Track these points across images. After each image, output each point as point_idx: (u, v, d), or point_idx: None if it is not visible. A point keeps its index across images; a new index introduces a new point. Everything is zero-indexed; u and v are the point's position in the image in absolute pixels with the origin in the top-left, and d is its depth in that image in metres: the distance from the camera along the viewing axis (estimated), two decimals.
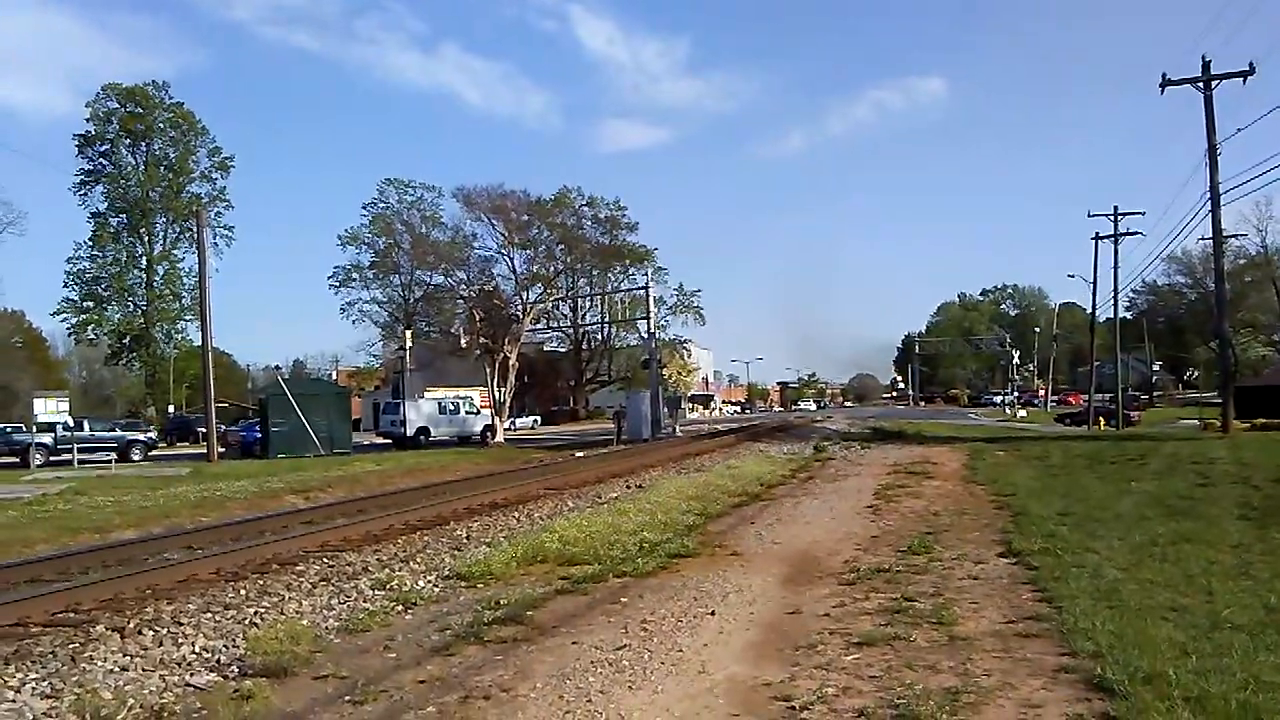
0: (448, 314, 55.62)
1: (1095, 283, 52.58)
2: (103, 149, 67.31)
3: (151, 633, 7.91)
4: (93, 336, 69.55)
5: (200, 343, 40.61)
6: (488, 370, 48.82)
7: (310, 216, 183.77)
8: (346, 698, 5.97)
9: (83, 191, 67.36)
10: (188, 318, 68.05)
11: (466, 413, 48.16)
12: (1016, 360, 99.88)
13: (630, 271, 75.58)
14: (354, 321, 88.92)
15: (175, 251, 68.95)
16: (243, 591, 9.81)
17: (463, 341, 49.59)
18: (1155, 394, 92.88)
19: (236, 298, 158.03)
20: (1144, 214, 57.34)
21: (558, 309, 77.34)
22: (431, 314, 61.63)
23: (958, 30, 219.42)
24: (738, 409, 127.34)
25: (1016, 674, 5.79)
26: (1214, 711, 4.75)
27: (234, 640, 7.61)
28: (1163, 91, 30.53)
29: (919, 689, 5.50)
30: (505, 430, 49.67)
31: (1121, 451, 23.97)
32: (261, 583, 10.31)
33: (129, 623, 8.30)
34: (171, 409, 67.42)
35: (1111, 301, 50.30)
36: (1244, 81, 29.24)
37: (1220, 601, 7.27)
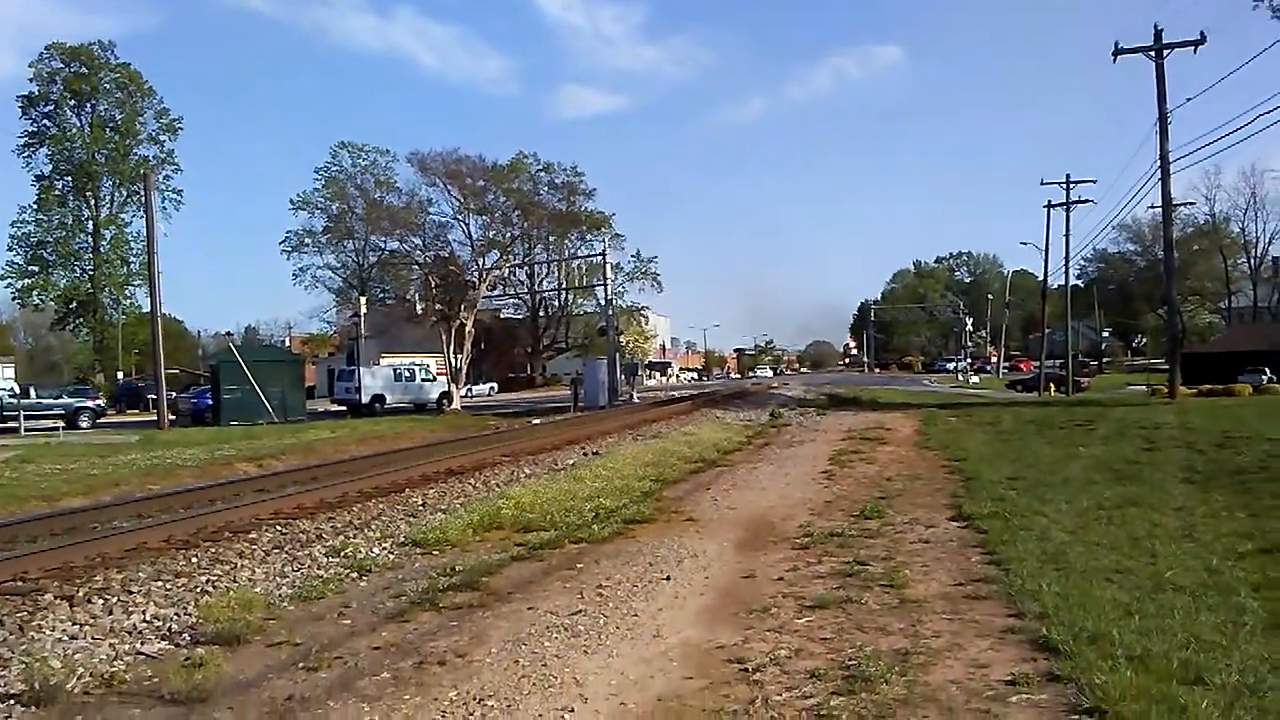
0: (403, 280, 55.21)
1: (1047, 250, 53.36)
2: (47, 110, 65.72)
3: (101, 601, 7.82)
4: (38, 301, 68.12)
5: (149, 308, 39.99)
6: (444, 337, 48.50)
7: (262, 180, 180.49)
8: (300, 664, 5.95)
9: (26, 154, 65.87)
10: (136, 283, 66.85)
11: (422, 380, 47.91)
12: (970, 327, 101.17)
13: (588, 238, 75.23)
14: (307, 287, 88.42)
15: (123, 215, 67.71)
16: (194, 559, 9.71)
17: (418, 308, 49.30)
18: (1105, 360, 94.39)
19: (187, 263, 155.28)
20: (1095, 182, 58.19)
21: (514, 275, 76.90)
22: (386, 280, 61.29)
23: None
24: (695, 376, 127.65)
25: (965, 635, 5.90)
26: (1156, 670, 4.87)
27: (186, 608, 7.54)
28: (1115, 60, 30.91)
29: (870, 650, 5.59)
30: (462, 397, 49.47)
31: (1071, 417, 24.39)
32: (213, 551, 10.21)
33: (78, 591, 8.19)
34: (120, 376, 66.21)
35: (1063, 269, 51.03)
36: (1195, 51, 29.66)
37: (1163, 563, 7.44)
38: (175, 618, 7.30)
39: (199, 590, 8.22)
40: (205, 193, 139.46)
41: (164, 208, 64.60)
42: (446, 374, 49.48)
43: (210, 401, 38.60)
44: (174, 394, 42.53)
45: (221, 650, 6.29)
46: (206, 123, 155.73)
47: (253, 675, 5.81)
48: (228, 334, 72.34)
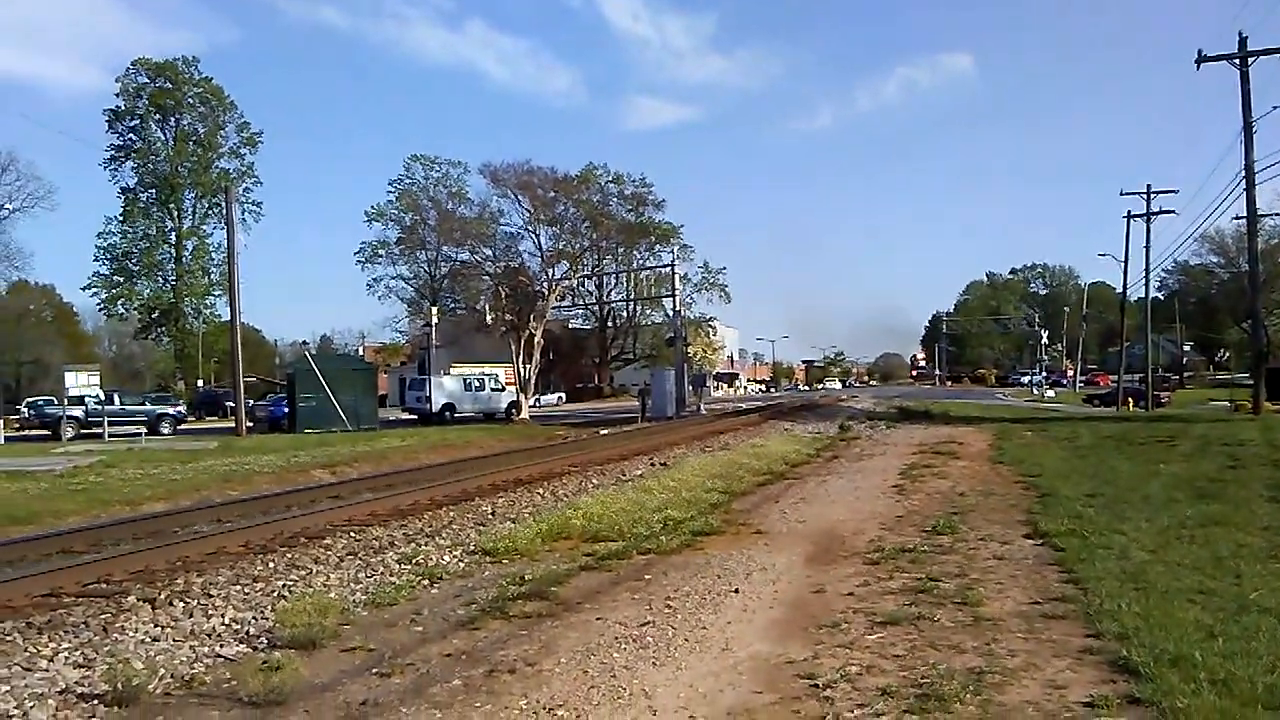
0: (473, 290, 55.75)
1: (1126, 262, 51.98)
2: (132, 124, 67.74)
3: (182, 604, 8.01)
4: (123, 311, 70.23)
5: (229, 317, 40.91)
6: (513, 347, 48.93)
7: (338, 193, 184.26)
8: (373, 670, 6.04)
9: (113, 166, 67.93)
10: (216, 293, 68.52)
11: (491, 389, 48.38)
12: (1045, 340, 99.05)
13: (656, 249, 75.41)
14: (380, 298, 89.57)
15: (204, 226, 69.51)
16: (271, 564, 9.92)
17: (488, 318, 49.75)
18: (1185, 375, 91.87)
19: (265, 273, 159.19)
20: (1177, 192, 56.93)
21: (583, 286, 77.51)
22: (457, 290, 61.81)
23: (986, 5, 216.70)
24: (762, 388, 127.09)
25: (1041, 655, 5.78)
26: (1240, 694, 4.72)
27: (263, 612, 7.70)
28: (1199, 68, 30.09)
29: (943, 669, 5.50)
30: (530, 407, 49.82)
31: (1151, 433, 23.78)
32: (290, 556, 10.41)
33: (160, 594, 8.40)
34: (200, 383, 68.00)
35: (1143, 281, 49.76)
36: None
37: (1248, 584, 7.21)
38: (253, 621, 7.45)
39: (276, 595, 8.38)
40: (284, 205, 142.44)
41: (244, 219, 66.22)
42: (515, 384, 49.89)
43: (286, 409, 39.36)
44: (252, 402, 43.51)
45: (298, 654, 6.39)
46: (286, 135, 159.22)
47: (328, 679, 5.91)
48: (304, 343, 73.70)
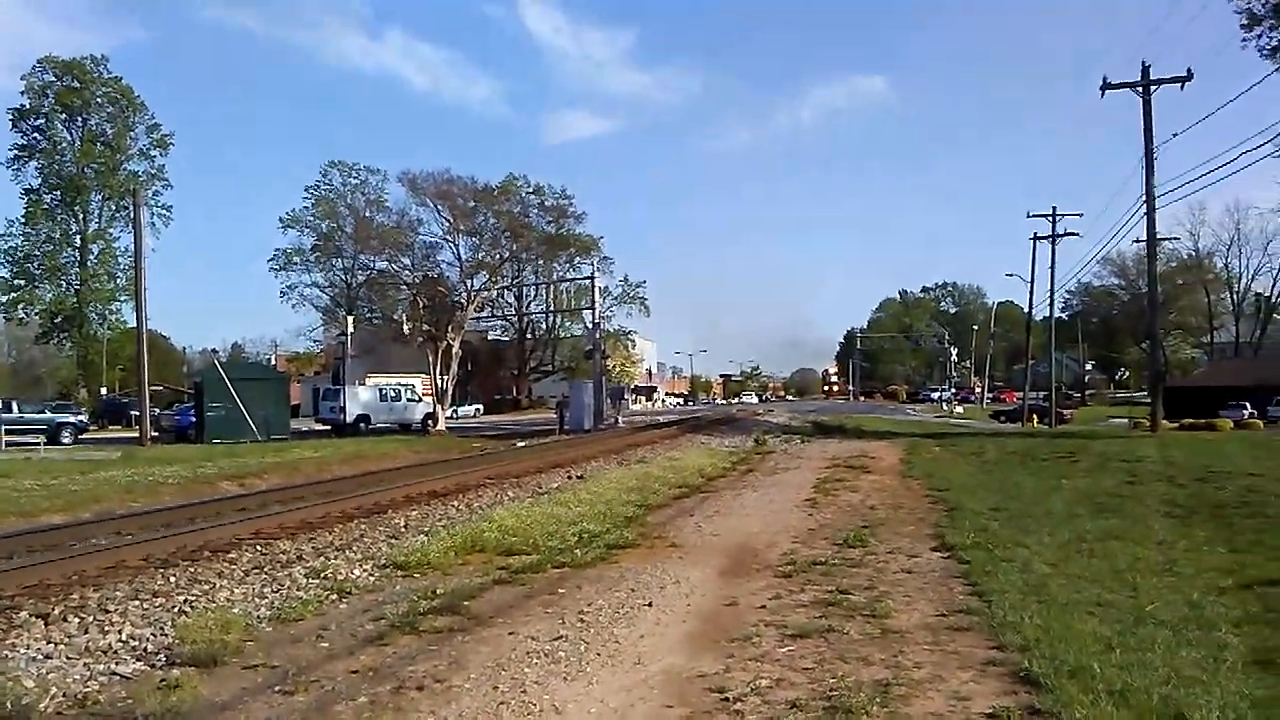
0: (390, 300, 54.98)
1: (1032, 282, 53.81)
2: (37, 123, 65.24)
3: (77, 620, 7.74)
4: (23, 315, 67.52)
5: (135, 324, 39.74)
6: (430, 358, 48.37)
7: (252, 198, 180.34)
8: (277, 688, 5.89)
9: (16, 167, 65.26)
10: (122, 298, 66.21)
11: (408, 400, 47.83)
12: (955, 357, 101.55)
13: (576, 261, 75.20)
14: (294, 306, 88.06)
15: (111, 230, 67.09)
16: (173, 579, 9.63)
17: (405, 328, 49.10)
18: (1088, 392, 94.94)
19: (173, 279, 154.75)
20: (1081, 215, 58.48)
21: (502, 297, 77.14)
22: (374, 300, 60.93)
23: (899, 29, 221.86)
24: (681, 401, 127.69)
25: (947, 666, 5.89)
26: (1136, 705, 4.86)
27: (162, 628, 7.46)
28: (1103, 95, 31.21)
29: (851, 681, 5.57)
30: (447, 419, 49.29)
31: (1054, 449, 24.46)
32: (192, 570, 10.12)
33: (54, 609, 8.10)
34: (104, 391, 65.72)
35: (1048, 301, 51.31)
36: (1181, 87, 30.00)
37: (1144, 597, 7.45)
38: (152, 638, 7.22)
39: (176, 610, 8.13)
40: (195, 209, 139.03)
41: (152, 223, 64.25)
42: (432, 395, 49.33)
43: (194, 418, 38.33)
44: (158, 410, 42.29)
45: (198, 672, 6.22)
46: (198, 139, 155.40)
47: (228, 698, 5.75)
48: (213, 351, 72.31)
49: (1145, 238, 32.38)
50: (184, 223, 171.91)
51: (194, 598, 8.67)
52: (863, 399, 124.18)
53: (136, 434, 36.13)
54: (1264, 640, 6.17)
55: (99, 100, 66.04)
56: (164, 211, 68.61)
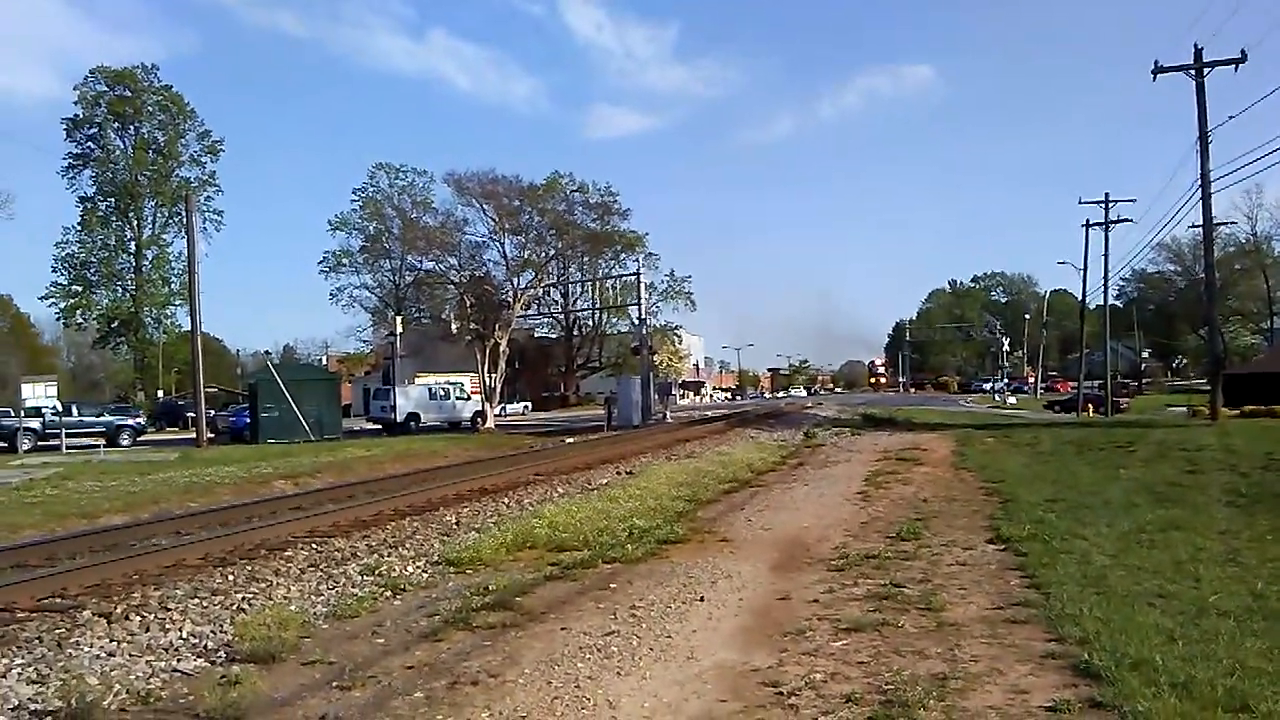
0: (438, 300, 55.42)
1: (1085, 269, 52.66)
2: (91, 132, 66.82)
3: (138, 618, 7.88)
4: (81, 321, 69.15)
5: (189, 327, 40.37)
6: (478, 356, 48.65)
7: (301, 201, 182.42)
8: (334, 683, 5.96)
9: (71, 175, 66.94)
10: (177, 302, 67.46)
11: (457, 398, 48.15)
12: (1006, 347, 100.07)
13: (622, 257, 75.28)
14: (344, 307, 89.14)
15: (164, 235, 68.60)
16: (230, 577, 9.78)
17: (453, 327, 49.47)
18: (1144, 381, 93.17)
19: (226, 282, 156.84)
20: (1135, 201, 57.49)
21: (548, 295, 77.30)
22: (422, 300, 61.55)
23: (946, 16, 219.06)
24: (728, 395, 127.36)
25: (1004, 660, 5.81)
26: (1200, 697, 4.76)
27: (222, 626, 7.59)
28: (1155, 79, 30.51)
29: (907, 675, 5.51)
30: (495, 416, 49.57)
31: (1110, 438, 24.06)
32: (250, 568, 10.28)
33: (116, 608, 8.26)
34: (160, 394, 67.07)
35: (1102, 288, 50.48)
36: (1235, 69, 29.23)
37: (1207, 588, 7.30)
38: (211, 635, 7.34)
39: (235, 608, 8.26)
40: (246, 213, 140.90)
41: (205, 228, 65.63)
42: (481, 393, 49.62)
43: (248, 420, 38.97)
44: (213, 412, 42.99)
45: (257, 668, 6.31)
46: (248, 145, 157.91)
47: (287, 694, 5.82)
48: (266, 353, 73.23)
49: (1201, 223, 31.70)
50: (236, 227, 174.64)
51: (252, 595, 8.80)
52: (913, 391, 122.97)
53: (193, 435, 36.80)
54: None
55: (150, 108, 67.43)
56: (215, 216, 69.96)
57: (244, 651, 6.73)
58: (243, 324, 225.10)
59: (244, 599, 8.64)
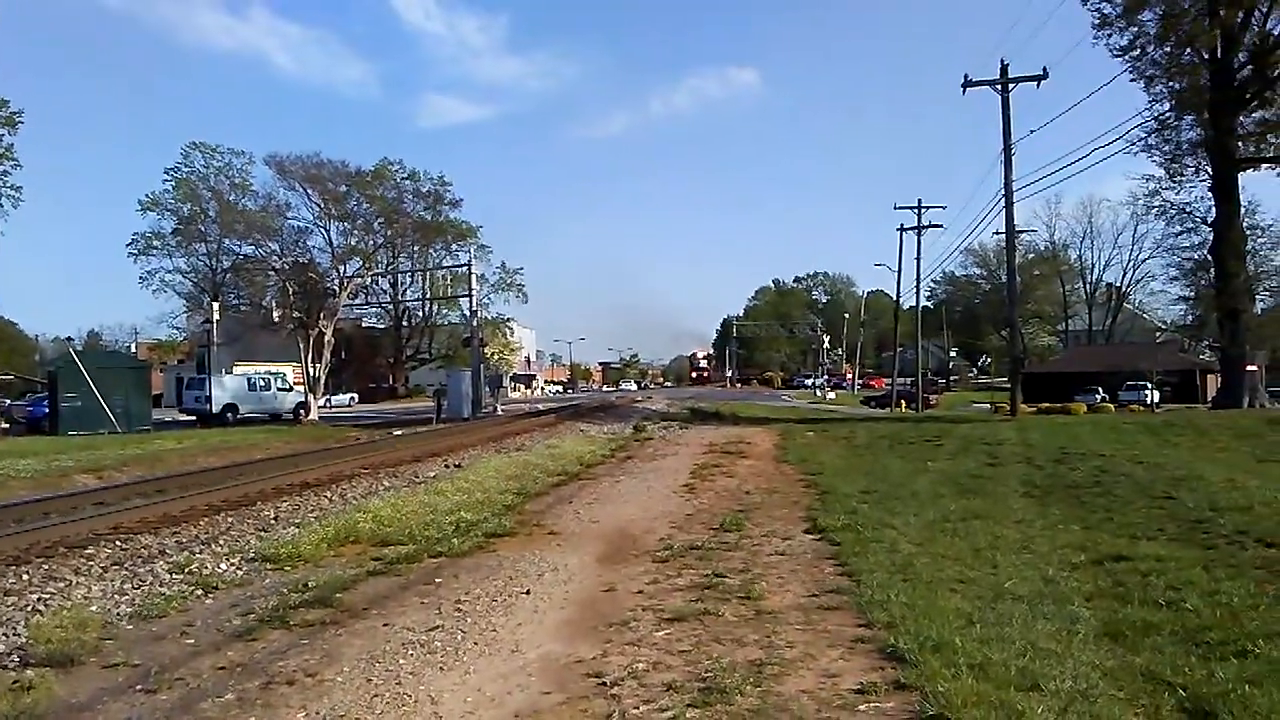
0: (259, 286, 53.38)
1: (900, 272, 55.31)
2: None
3: None
4: None
5: None
6: (301, 345, 47.16)
7: (110, 180, 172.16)
8: (138, 687, 5.68)
9: None
10: None
11: (278, 389, 46.44)
12: (827, 345, 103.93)
13: (453, 248, 74.20)
14: (155, 292, 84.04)
15: None
16: (25, 576, 9.17)
17: (274, 315, 47.77)
18: (952, 379, 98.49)
19: (25, 263, 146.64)
20: (946, 208, 60.89)
21: (377, 284, 75.40)
22: (241, 286, 59.07)
23: (769, 20, 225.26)
24: (560, 389, 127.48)
25: (817, 645, 6.04)
26: (995, 677, 5.06)
27: (15, 628, 7.13)
28: (964, 91, 32.29)
29: (725, 662, 5.66)
30: (320, 408, 48.17)
31: (920, 433, 25.27)
32: (47, 567, 9.67)
33: None
34: None
35: (915, 290, 53.05)
36: (1038, 85, 31.25)
37: (1003, 574, 7.77)
38: (4, 638, 6.89)
39: (29, 609, 7.77)
40: (48, 191, 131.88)
41: (1, 205, 60.91)
42: (304, 383, 48.09)
43: (48, 410, 36.54)
44: (8, 401, 40.27)
45: (53, 672, 5.95)
46: (52, 119, 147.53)
47: (86, 698, 5.52)
48: (68, 339, 68.48)
49: (1005, 230, 33.72)
50: (37, 205, 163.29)
51: (49, 595, 8.31)
52: (739, 386, 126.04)
53: None
54: (1114, 613, 6.51)
55: None
56: (14, 192, 64.58)
57: (39, 655, 6.34)
58: (44, 308, 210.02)
59: (40, 599, 8.14)
